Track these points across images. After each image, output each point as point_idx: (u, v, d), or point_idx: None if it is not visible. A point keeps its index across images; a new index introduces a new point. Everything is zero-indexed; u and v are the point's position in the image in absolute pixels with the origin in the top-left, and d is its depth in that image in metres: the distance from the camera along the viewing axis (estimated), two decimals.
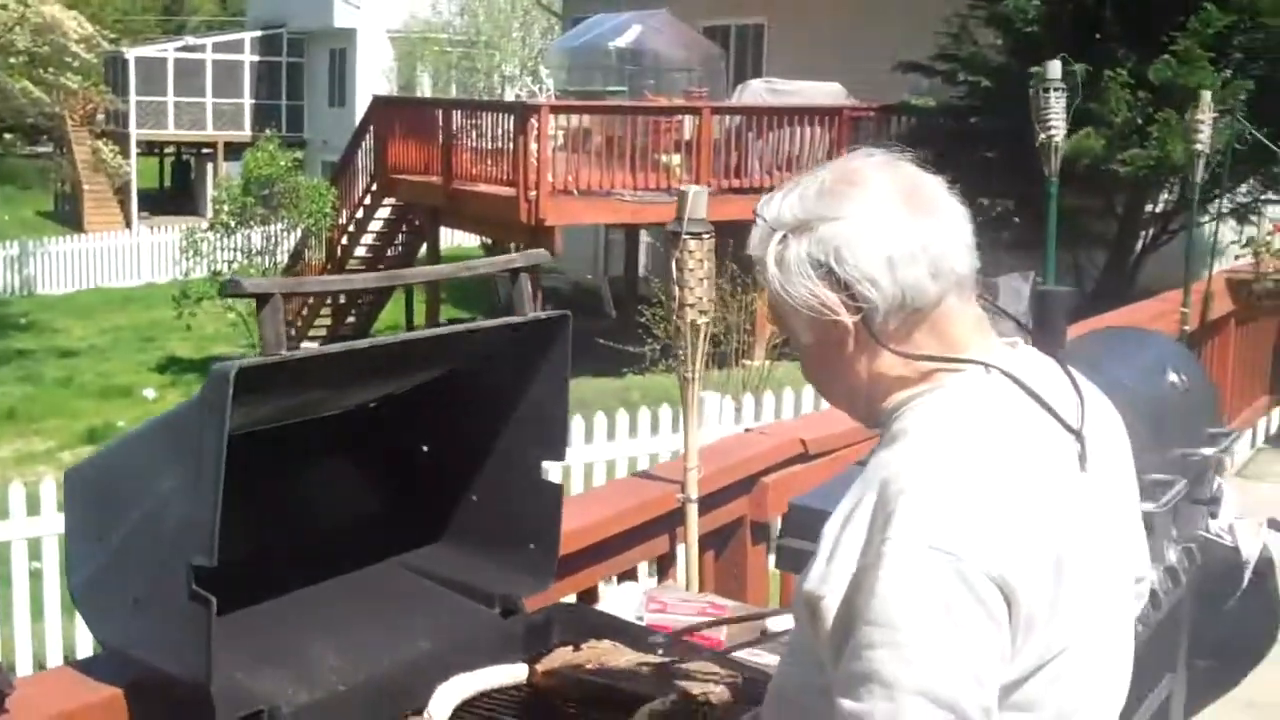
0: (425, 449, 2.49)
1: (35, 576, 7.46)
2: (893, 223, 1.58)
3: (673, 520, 3.01)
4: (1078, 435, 1.61)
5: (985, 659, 1.47)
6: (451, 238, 17.57)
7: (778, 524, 3.37)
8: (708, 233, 2.94)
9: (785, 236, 1.62)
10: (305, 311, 16.59)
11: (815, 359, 1.68)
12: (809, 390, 8.80)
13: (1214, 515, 3.58)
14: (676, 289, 2.93)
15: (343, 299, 16.75)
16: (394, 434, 2.47)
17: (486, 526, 2.44)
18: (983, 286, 1.70)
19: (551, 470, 2.43)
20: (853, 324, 1.60)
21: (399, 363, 2.31)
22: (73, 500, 2.10)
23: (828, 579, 1.54)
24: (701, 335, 2.98)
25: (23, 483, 8.25)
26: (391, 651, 2.24)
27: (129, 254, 23.99)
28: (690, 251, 2.91)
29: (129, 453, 2.08)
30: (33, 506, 7.94)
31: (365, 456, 2.47)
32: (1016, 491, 1.52)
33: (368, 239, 17.26)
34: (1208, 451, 3.45)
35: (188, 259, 16.52)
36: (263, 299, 1.99)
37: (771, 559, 3.48)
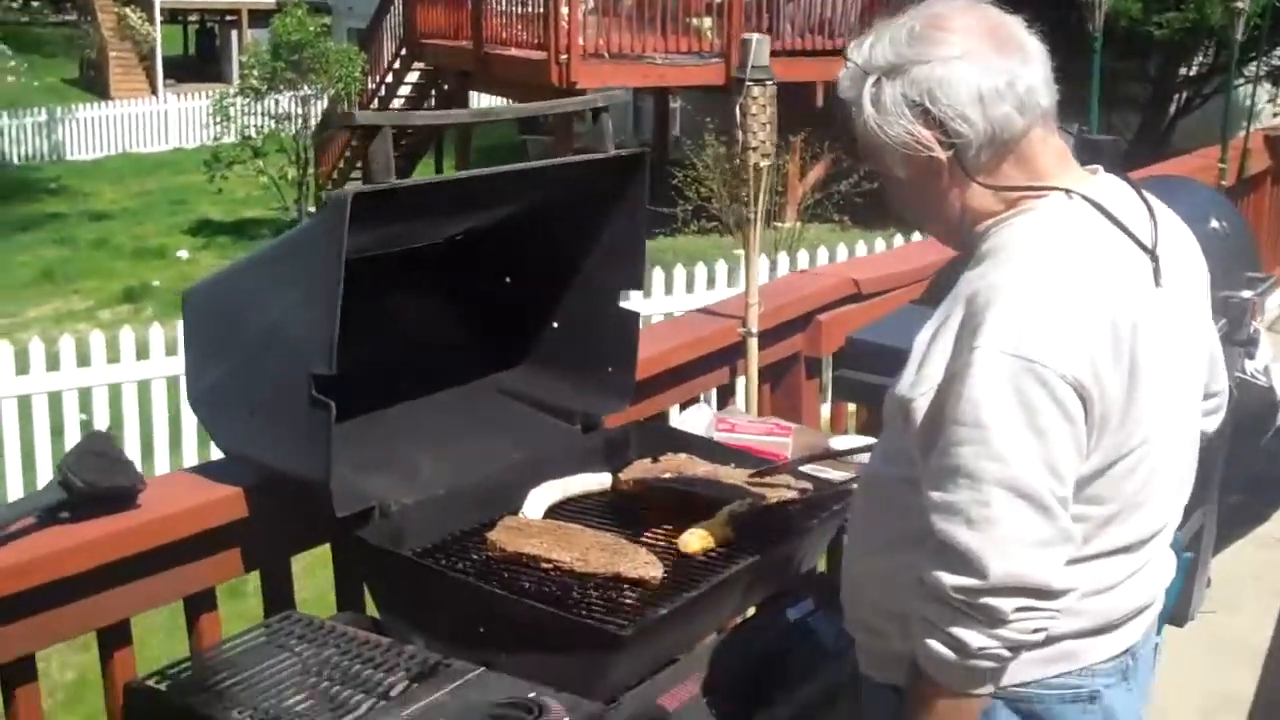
0: (508, 280, 2.63)
1: (85, 428, 7.69)
2: (981, 62, 1.70)
3: (733, 354, 3.17)
4: (1152, 254, 1.74)
5: (1062, 454, 1.63)
6: (479, 102, 17.49)
7: (829, 361, 3.53)
8: (769, 79, 3.06)
9: (879, 79, 1.74)
10: (342, 164, 16.63)
11: (908, 192, 1.81)
12: (840, 250, 8.91)
13: (1250, 356, 3.72)
14: (740, 133, 3.06)
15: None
16: (481, 266, 2.61)
17: (568, 351, 2.60)
18: None
19: (629, 299, 2.58)
20: (946, 158, 1.73)
21: (486, 196, 2.44)
22: (193, 317, 2.26)
23: (919, 384, 1.69)
24: (764, 177, 3.11)
25: (72, 335, 8.45)
26: (485, 461, 2.42)
27: (156, 120, 23.96)
28: (754, 97, 3.03)
29: (249, 273, 2.23)
30: (82, 359, 8.18)
31: (455, 287, 2.62)
32: (1094, 303, 1.65)
33: (397, 104, 17.22)
34: (1246, 294, 3.59)
35: (217, 124, 16.54)
36: (372, 130, 2.11)
37: (828, 394, 3.65)
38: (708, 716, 2.05)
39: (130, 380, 8.09)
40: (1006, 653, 1.64)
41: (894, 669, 1.80)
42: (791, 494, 2.30)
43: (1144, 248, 1.74)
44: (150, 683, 1.90)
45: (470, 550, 2.18)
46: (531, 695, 1.82)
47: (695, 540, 2.17)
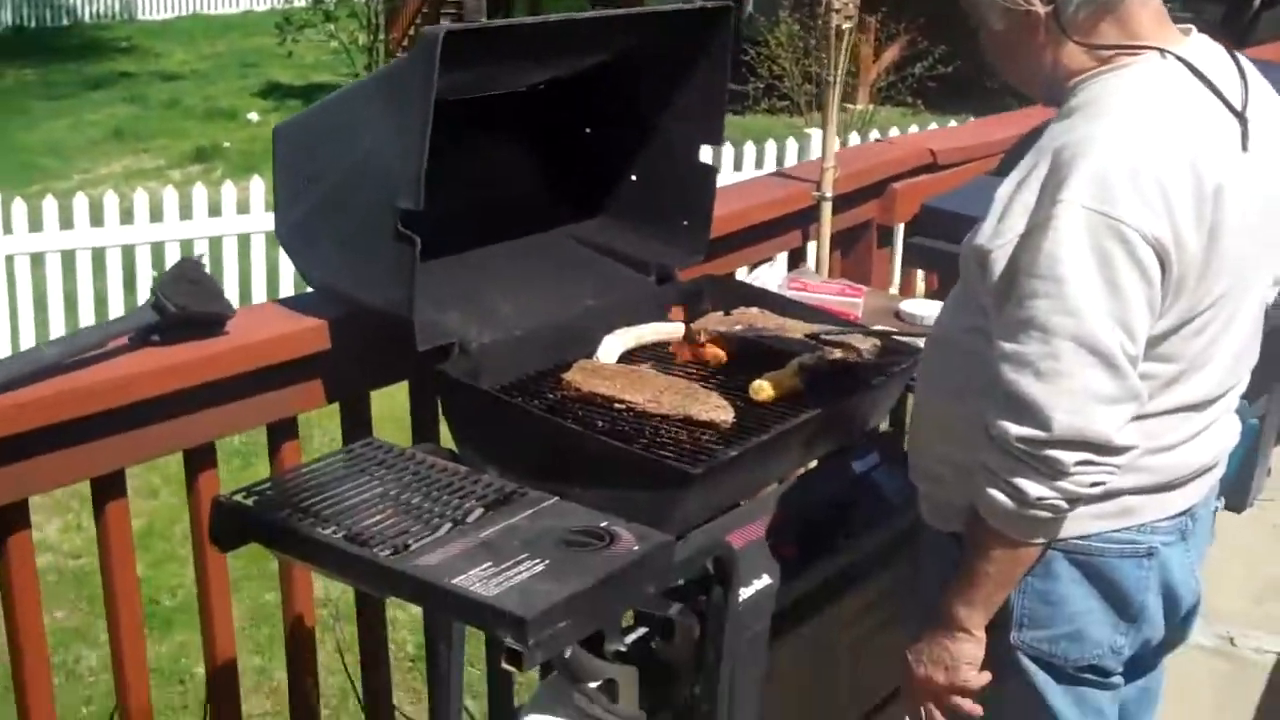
0: (588, 130, 2.66)
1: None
2: None
3: (806, 217, 3.19)
4: (1241, 118, 1.74)
5: (1136, 313, 1.65)
6: None
7: (901, 230, 3.54)
8: None
9: None
10: (413, 31, 16.53)
11: (1003, 45, 1.81)
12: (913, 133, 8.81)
13: None
14: None
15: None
16: (562, 117, 2.63)
17: (645, 203, 2.63)
18: None
19: (707, 154, 2.60)
20: (1045, 14, 1.73)
21: (570, 41, 2.45)
22: (283, 151, 2.30)
23: (999, 235, 1.71)
24: (845, 41, 3.10)
25: (145, 191, 8.55)
26: (562, 307, 2.47)
27: None
28: None
29: (340, 109, 2.27)
30: (155, 214, 8.29)
31: (537, 137, 2.65)
32: (1180, 163, 1.66)
33: None
34: None
35: None
36: None
37: (896, 262, 3.67)
38: (770, 558, 2.11)
39: (202, 236, 8.19)
40: (1064, 504, 1.68)
41: (955, 518, 1.85)
42: (861, 351, 2.33)
43: (1234, 110, 1.74)
44: (238, 498, 1.97)
45: (545, 389, 2.24)
46: (604, 524, 1.89)
47: (765, 389, 2.21)
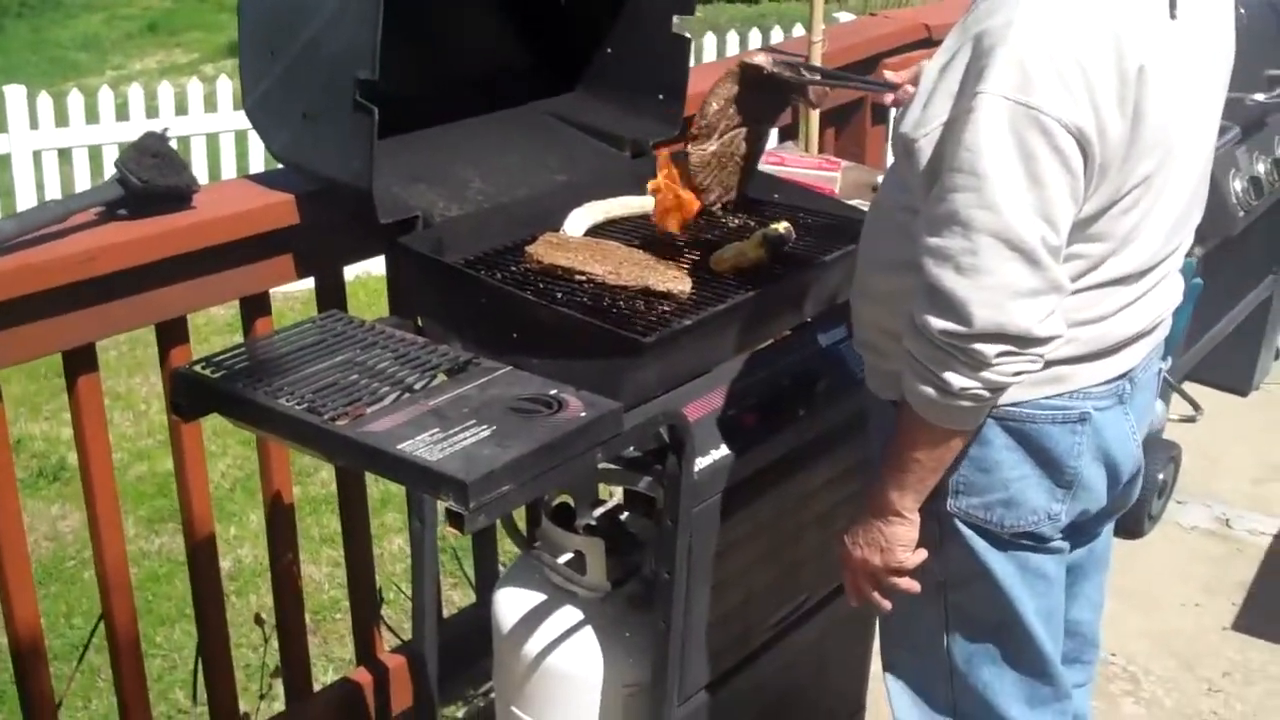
0: (562, 3, 2.63)
1: None
2: None
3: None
4: None
5: (1059, 204, 1.62)
6: None
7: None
8: None
9: None
10: None
11: None
12: None
13: None
14: None
15: None
16: None
17: (620, 77, 2.61)
18: None
19: (681, 25, 2.57)
20: None
21: None
22: (247, 24, 2.29)
23: (924, 123, 1.68)
24: None
25: (172, 85, 8.56)
26: (531, 181, 2.46)
27: None
28: None
29: None
30: (180, 108, 8.30)
31: (507, 8, 2.62)
32: (1102, 44, 1.61)
33: None
34: (1260, 97, 3.44)
35: None
36: None
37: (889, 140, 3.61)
38: (731, 428, 2.12)
39: (228, 130, 8.21)
40: (986, 394, 1.68)
41: (894, 387, 1.84)
42: (829, 223, 2.32)
43: None
44: (198, 368, 2.00)
45: (510, 263, 2.24)
46: (553, 391, 1.90)
47: (727, 259, 2.21)
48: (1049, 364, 1.72)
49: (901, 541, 1.85)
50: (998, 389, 1.68)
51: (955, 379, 1.67)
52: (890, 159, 3.93)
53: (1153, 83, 1.64)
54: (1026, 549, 1.88)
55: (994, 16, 1.64)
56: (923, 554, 1.87)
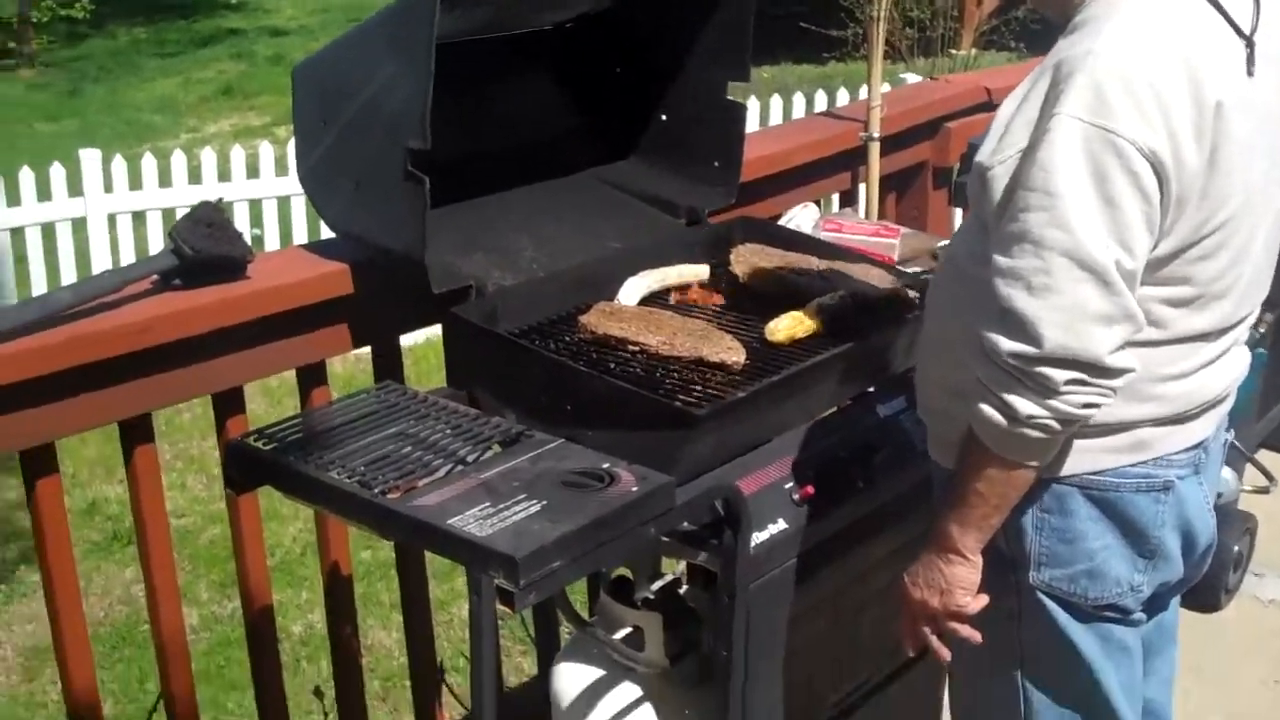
0: (617, 70, 2.63)
1: (256, 243, 7.93)
2: None
3: (855, 158, 3.12)
4: (1248, 40, 1.68)
5: (1134, 229, 1.60)
6: None
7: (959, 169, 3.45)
8: None
9: None
10: None
11: None
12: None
13: None
14: None
15: None
16: (588, 56, 2.60)
17: (674, 143, 2.60)
18: None
19: (736, 92, 2.55)
20: None
21: None
22: (300, 92, 2.30)
23: (1000, 151, 1.67)
24: None
25: (245, 149, 8.68)
26: (585, 249, 2.45)
27: None
28: None
29: (351, 46, 2.26)
30: (252, 170, 8.41)
31: (562, 76, 2.62)
32: (1176, 72, 1.60)
33: None
34: None
35: None
36: None
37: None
38: (787, 502, 2.08)
39: (299, 193, 8.29)
40: (1056, 424, 1.64)
41: (956, 454, 1.80)
42: (887, 291, 2.28)
43: (1240, 33, 1.68)
44: (250, 440, 1.99)
45: (563, 332, 2.22)
46: (605, 465, 1.87)
47: (782, 329, 2.18)
48: (1131, 427, 1.69)
49: (962, 584, 1.81)
50: (1067, 420, 1.64)
51: (1022, 405, 1.63)
52: (957, 222, 3.91)
53: (1231, 123, 1.63)
54: (1110, 621, 1.84)
55: (1075, 47, 1.64)
56: (984, 600, 1.82)
